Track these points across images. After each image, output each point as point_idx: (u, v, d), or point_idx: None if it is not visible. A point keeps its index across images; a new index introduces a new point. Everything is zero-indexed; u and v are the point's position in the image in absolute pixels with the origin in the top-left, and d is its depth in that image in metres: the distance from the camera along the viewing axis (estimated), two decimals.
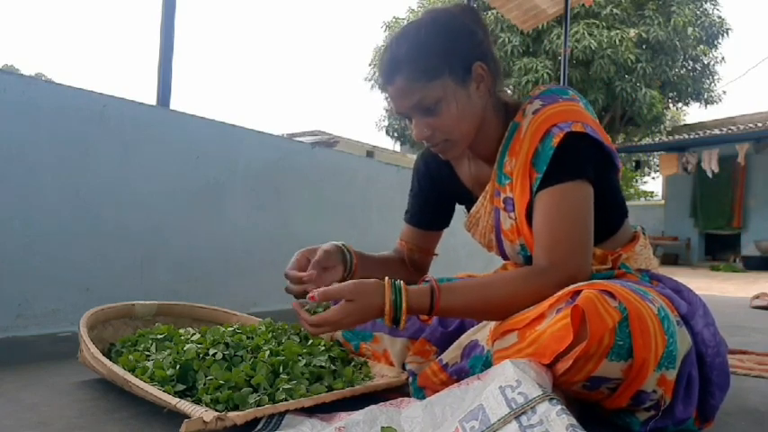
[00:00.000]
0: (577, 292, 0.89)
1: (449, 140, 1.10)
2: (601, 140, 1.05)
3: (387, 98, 1.14)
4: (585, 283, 0.93)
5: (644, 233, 1.22)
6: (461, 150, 1.14)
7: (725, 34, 13.15)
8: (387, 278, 1.01)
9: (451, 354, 1.13)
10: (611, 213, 1.14)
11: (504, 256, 1.24)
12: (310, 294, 1.01)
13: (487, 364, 1.03)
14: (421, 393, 1.10)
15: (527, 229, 1.09)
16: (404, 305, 0.98)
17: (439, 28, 1.07)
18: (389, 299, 0.98)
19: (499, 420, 0.77)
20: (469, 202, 1.27)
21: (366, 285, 1.00)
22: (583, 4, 7.73)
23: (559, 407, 0.77)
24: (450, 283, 1.04)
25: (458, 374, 1.08)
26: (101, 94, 1.87)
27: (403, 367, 1.23)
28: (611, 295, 0.86)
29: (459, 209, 1.36)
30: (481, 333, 1.11)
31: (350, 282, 1.01)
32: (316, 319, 1.01)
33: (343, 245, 1.25)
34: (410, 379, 1.17)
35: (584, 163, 1.03)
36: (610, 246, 1.14)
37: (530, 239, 1.09)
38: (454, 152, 1.14)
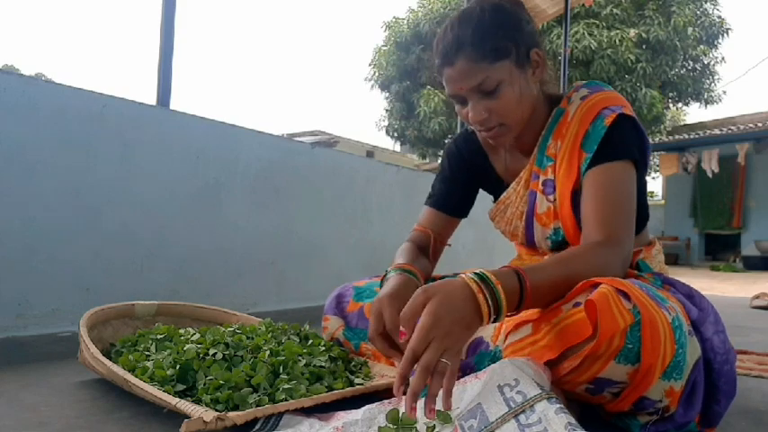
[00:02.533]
0: (594, 285, 0.87)
1: (504, 125, 1.10)
2: (644, 131, 1.11)
3: (439, 79, 1.10)
4: (607, 279, 0.88)
5: (657, 240, 1.25)
6: (513, 136, 1.13)
7: (725, 34, 13.13)
8: (463, 274, 0.87)
9: None
10: (638, 211, 1.12)
11: (529, 243, 1.24)
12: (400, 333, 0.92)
13: (494, 360, 1.03)
14: (423, 392, 1.10)
15: (567, 211, 1.10)
16: (500, 291, 0.83)
17: (502, 12, 1.09)
18: (476, 289, 0.83)
19: (498, 419, 0.78)
20: (499, 190, 1.28)
21: (438, 284, 0.84)
22: (583, 4, 7.75)
23: (558, 405, 0.77)
24: (526, 265, 0.94)
25: (463, 371, 1.07)
26: (101, 94, 1.88)
27: None
28: (627, 297, 0.84)
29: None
30: (485, 330, 1.11)
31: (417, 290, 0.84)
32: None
33: (404, 271, 1.10)
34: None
35: (632, 145, 1.08)
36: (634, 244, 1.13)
37: (567, 222, 1.10)
38: (507, 137, 1.13)
